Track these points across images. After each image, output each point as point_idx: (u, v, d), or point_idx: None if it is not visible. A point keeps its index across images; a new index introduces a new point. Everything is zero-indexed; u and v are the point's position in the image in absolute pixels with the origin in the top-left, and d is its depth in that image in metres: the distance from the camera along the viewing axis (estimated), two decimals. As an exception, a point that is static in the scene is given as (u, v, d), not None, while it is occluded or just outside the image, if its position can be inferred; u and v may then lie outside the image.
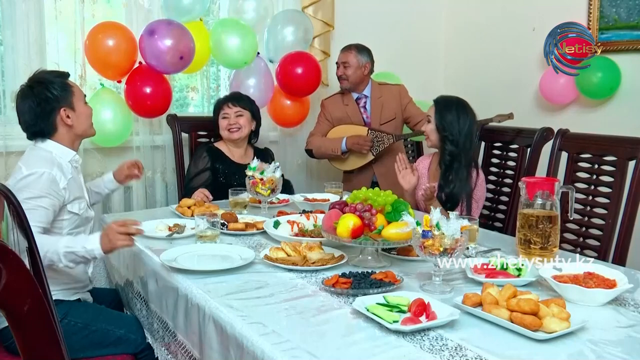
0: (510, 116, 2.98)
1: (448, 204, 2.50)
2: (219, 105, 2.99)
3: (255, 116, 3.00)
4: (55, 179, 1.95)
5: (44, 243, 1.74)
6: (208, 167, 2.89)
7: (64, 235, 1.91)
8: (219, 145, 2.99)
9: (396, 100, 3.39)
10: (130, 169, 2.47)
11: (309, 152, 3.43)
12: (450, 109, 2.54)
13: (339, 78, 3.39)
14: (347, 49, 3.37)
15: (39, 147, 2.06)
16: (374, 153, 3.27)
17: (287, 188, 2.95)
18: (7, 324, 1.73)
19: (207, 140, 3.21)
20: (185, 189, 2.93)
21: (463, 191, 2.50)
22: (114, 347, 1.94)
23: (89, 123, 2.15)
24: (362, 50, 3.36)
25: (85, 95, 2.17)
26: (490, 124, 2.96)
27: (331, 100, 3.47)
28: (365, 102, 3.41)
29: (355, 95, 3.42)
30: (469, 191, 2.51)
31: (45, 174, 1.93)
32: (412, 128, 3.41)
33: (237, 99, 2.99)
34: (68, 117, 2.05)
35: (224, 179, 2.89)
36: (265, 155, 3.02)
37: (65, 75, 2.13)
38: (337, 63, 3.41)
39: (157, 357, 1.85)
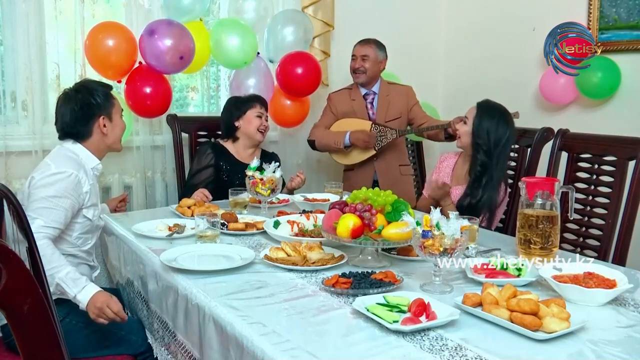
0: (515, 115, 2.95)
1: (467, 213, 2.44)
2: (251, 102, 2.95)
3: None
4: (80, 182, 2.04)
5: (46, 258, 1.77)
6: (212, 163, 2.89)
7: (65, 266, 1.86)
8: (224, 143, 2.99)
9: (403, 100, 3.38)
10: (120, 204, 2.66)
11: (312, 143, 3.42)
12: (493, 116, 2.44)
13: (355, 71, 3.33)
14: (366, 42, 3.35)
15: (67, 149, 2.15)
16: (376, 148, 3.26)
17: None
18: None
19: (208, 139, 3.21)
20: (185, 187, 2.92)
21: (487, 205, 2.40)
22: (114, 347, 1.95)
23: (120, 137, 2.27)
24: (380, 45, 3.36)
25: (122, 110, 2.29)
26: None
27: (338, 94, 3.46)
28: (373, 99, 3.40)
29: (363, 91, 3.41)
30: (493, 206, 2.41)
31: (73, 175, 2.02)
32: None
33: (266, 104, 3.02)
34: (105, 125, 2.17)
35: (227, 176, 2.88)
36: (271, 159, 2.99)
37: (110, 87, 2.25)
38: (353, 55, 3.35)
39: (157, 358, 1.84)
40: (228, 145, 2.98)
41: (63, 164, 2.03)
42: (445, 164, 2.72)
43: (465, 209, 2.43)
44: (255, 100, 2.99)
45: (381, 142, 3.24)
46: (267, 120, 2.99)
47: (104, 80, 3.04)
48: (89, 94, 2.15)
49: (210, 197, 2.62)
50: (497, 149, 2.41)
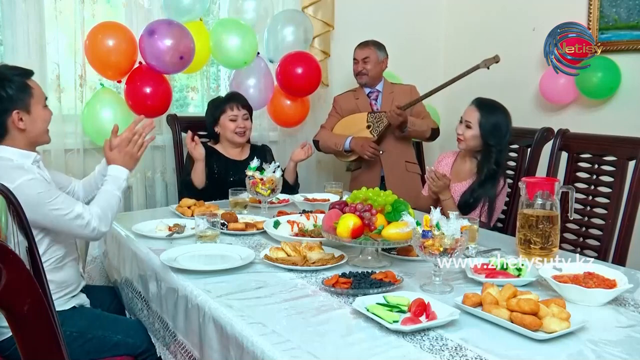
0: (495, 58, 3.04)
1: (467, 208, 2.45)
2: (223, 105, 2.92)
3: (251, 116, 3.03)
4: (39, 176, 1.85)
5: (100, 206, 1.91)
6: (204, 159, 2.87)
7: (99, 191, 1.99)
8: (213, 144, 3.00)
9: (407, 97, 3.41)
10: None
11: (316, 143, 3.45)
12: (495, 112, 2.48)
13: (358, 74, 3.41)
14: (365, 45, 3.41)
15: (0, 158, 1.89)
16: (375, 134, 3.29)
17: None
18: (5, 337, 1.73)
19: (207, 140, 3.18)
20: (182, 183, 2.91)
21: (487, 196, 2.45)
22: (112, 352, 1.91)
23: (44, 129, 1.97)
24: (380, 46, 3.42)
25: (46, 98, 2.00)
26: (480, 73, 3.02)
27: (343, 95, 3.53)
28: (377, 96, 3.47)
29: (367, 90, 3.47)
30: (492, 196, 2.45)
31: (29, 176, 1.81)
32: None
33: (243, 100, 2.97)
34: (21, 119, 1.87)
35: (219, 175, 2.88)
36: (263, 153, 3.01)
37: (28, 73, 1.94)
38: (355, 59, 3.42)
39: (160, 357, 1.84)
40: (216, 146, 2.99)
41: (11, 178, 1.76)
42: (443, 162, 2.74)
43: (467, 202, 2.47)
44: (227, 102, 2.92)
45: (378, 128, 3.27)
46: (247, 119, 2.94)
47: (104, 79, 3.07)
48: (0, 86, 1.84)
49: (198, 140, 2.72)
50: (504, 141, 2.48)
